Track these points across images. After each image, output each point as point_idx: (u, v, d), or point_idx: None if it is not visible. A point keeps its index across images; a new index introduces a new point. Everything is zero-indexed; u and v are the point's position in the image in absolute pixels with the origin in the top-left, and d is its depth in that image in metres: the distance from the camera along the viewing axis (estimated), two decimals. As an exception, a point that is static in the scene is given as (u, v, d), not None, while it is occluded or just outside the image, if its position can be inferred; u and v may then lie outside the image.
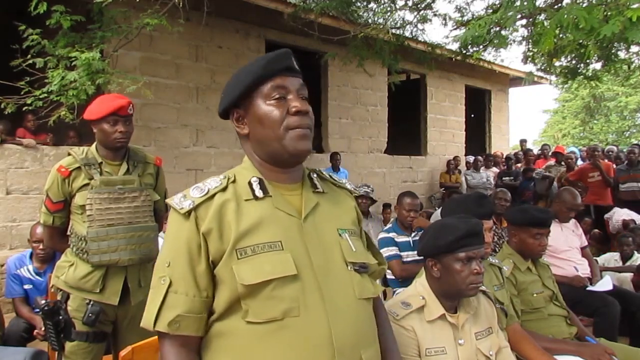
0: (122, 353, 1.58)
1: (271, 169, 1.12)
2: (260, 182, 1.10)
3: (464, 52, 5.95)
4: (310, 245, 1.07)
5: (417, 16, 5.84)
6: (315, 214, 1.12)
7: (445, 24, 6.11)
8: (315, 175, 1.20)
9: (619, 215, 5.47)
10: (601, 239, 5.68)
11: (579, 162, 8.33)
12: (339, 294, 1.06)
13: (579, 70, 6.19)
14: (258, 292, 1.00)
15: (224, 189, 1.08)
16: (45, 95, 4.04)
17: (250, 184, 1.10)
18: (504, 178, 7.96)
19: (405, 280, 3.21)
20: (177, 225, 1.05)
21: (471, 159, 9.07)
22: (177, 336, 1.02)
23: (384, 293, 3.52)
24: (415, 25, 6.01)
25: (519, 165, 8.79)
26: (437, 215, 4.60)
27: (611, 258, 4.47)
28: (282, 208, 1.09)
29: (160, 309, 1.01)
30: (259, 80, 1.08)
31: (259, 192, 1.08)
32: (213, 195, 1.07)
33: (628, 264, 4.25)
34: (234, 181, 1.10)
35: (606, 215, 5.94)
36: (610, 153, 7.98)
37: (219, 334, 1.03)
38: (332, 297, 1.04)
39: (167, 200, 1.09)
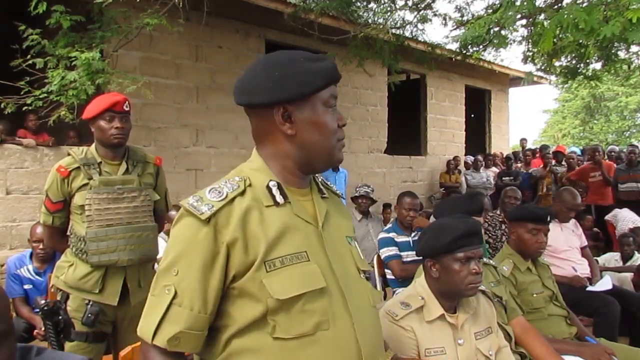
0: (122, 353, 1.57)
1: (294, 173, 1.07)
2: (279, 187, 1.04)
3: (464, 52, 5.95)
4: (330, 255, 1.04)
5: (417, 16, 5.83)
6: (329, 221, 1.09)
7: (445, 24, 6.11)
8: (320, 180, 1.18)
9: (625, 223, 5.41)
10: (602, 239, 5.67)
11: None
12: (360, 303, 1.04)
13: (579, 70, 6.18)
14: (290, 307, 0.95)
15: (242, 193, 1.00)
16: (45, 95, 4.04)
17: (269, 188, 1.03)
18: (504, 178, 7.96)
19: (405, 280, 3.21)
20: (193, 230, 0.96)
21: (471, 159, 9.07)
22: (171, 352, 0.95)
23: (384, 293, 3.52)
24: (415, 25, 6.01)
25: (519, 165, 8.80)
26: (437, 215, 4.60)
27: (611, 258, 4.47)
28: (301, 215, 1.04)
29: (161, 322, 0.94)
30: (330, 84, 1.03)
31: (279, 198, 1.02)
32: (232, 200, 0.99)
33: (628, 264, 4.24)
34: (250, 184, 1.03)
35: (607, 217, 5.91)
36: (613, 153, 7.97)
37: (241, 350, 0.96)
38: (356, 306, 1.02)
39: (181, 202, 1.00)
